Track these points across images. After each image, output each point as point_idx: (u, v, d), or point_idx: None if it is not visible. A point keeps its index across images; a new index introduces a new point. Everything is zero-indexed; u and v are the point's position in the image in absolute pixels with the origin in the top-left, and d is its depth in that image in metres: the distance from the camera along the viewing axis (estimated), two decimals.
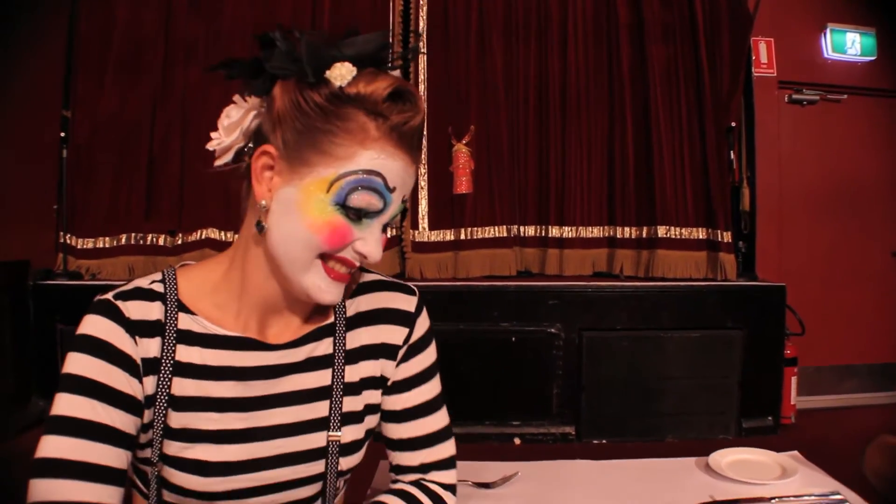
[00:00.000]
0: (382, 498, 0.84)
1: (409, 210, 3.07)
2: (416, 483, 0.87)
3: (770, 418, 2.97)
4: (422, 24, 3.10)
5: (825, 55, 3.47)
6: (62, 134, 3.14)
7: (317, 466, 0.82)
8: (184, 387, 0.77)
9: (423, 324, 0.90)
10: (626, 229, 3.10)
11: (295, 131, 0.72)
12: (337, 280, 0.76)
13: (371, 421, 0.88)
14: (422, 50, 3.02)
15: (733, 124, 3.11)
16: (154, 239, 3.10)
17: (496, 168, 3.07)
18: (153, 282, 0.79)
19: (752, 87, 3.23)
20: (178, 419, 0.76)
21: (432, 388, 0.90)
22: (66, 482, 0.70)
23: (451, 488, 0.89)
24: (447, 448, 0.90)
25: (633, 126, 3.07)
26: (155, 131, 3.09)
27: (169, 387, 0.77)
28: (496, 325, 2.81)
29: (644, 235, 3.07)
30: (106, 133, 3.09)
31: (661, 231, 3.02)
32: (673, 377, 2.89)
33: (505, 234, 3.06)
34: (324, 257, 0.74)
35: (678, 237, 3.03)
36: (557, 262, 3.08)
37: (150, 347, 0.76)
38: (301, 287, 0.75)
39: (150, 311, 0.77)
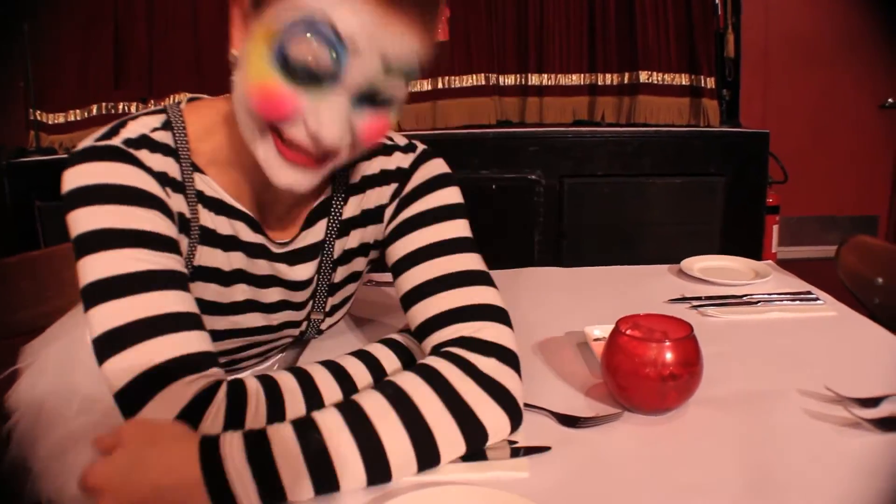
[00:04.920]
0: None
1: None
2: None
3: None
4: None
5: None
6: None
7: (299, 330, 0.88)
8: (203, 255, 0.71)
9: (421, 175, 0.80)
10: (608, 76, 3.01)
11: None
12: (292, 161, 0.62)
13: (350, 288, 0.89)
14: None
15: None
16: (126, 107, 3.02)
17: (473, 15, 2.96)
18: (156, 129, 0.67)
19: None
20: (192, 288, 0.67)
21: (438, 232, 0.76)
22: (141, 346, 0.57)
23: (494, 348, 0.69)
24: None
25: None
26: None
27: (193, 254, 0.70)
28: (476, 173, 2.77)
29: (626, 81, 3.00)
30: (67, 3, 2.95)
31: (643, 76, 2.95)
32: (654, 223, 2.88)
33: (483, 83, 2.99)
34: (277, 131, 0.61)
35: (660, 83, 2.96)
36: (537, 110, 3.02)
37: (180, 204, 0.67)
38: (258, 160, 0.64)
39: (167, 166, 0.66)
